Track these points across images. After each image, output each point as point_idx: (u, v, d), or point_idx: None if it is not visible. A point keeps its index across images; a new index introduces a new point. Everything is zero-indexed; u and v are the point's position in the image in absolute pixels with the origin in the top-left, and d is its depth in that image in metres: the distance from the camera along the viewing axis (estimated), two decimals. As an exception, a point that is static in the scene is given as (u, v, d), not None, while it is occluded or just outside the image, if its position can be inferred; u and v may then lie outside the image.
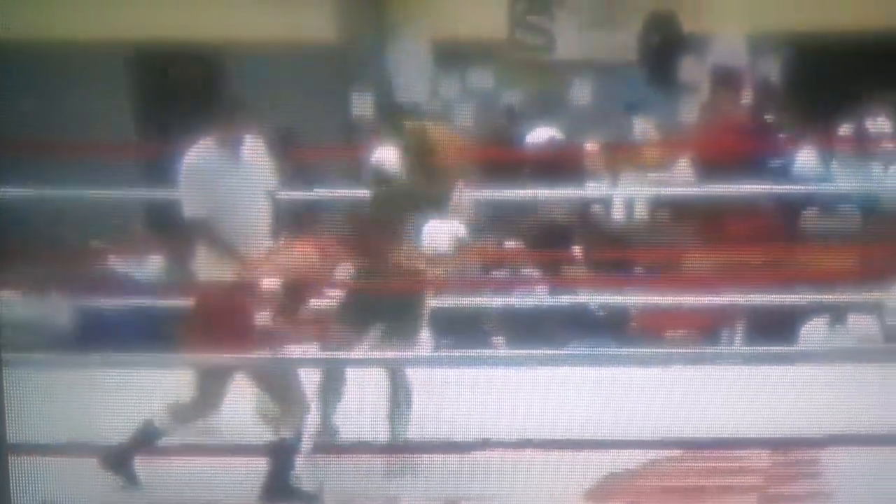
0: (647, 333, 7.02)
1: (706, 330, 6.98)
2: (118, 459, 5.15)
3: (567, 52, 8.81)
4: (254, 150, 5.63)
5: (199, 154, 5.56)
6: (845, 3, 7.94)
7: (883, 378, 5.69)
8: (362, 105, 8.90)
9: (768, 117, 8.10)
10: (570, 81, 8.66)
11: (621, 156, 7.86)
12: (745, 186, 7.23)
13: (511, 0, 9.08)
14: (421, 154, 5.72)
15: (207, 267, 5.44)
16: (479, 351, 6.33)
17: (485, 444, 5.45)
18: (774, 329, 6.86)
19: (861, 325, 6.92)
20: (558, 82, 8.74)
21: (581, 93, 8.66)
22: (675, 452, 5.53)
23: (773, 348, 6.39)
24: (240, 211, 5.37)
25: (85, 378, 5.32)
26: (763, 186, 7.28)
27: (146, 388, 5.34)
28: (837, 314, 6.86)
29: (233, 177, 5.45)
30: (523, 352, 6.17)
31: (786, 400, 5.49)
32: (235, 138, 5.56)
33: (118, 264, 6.86)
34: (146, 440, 5.23)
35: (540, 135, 7.87)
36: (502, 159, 7.86)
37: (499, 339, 6.92)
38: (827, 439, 5.35)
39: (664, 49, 8.54)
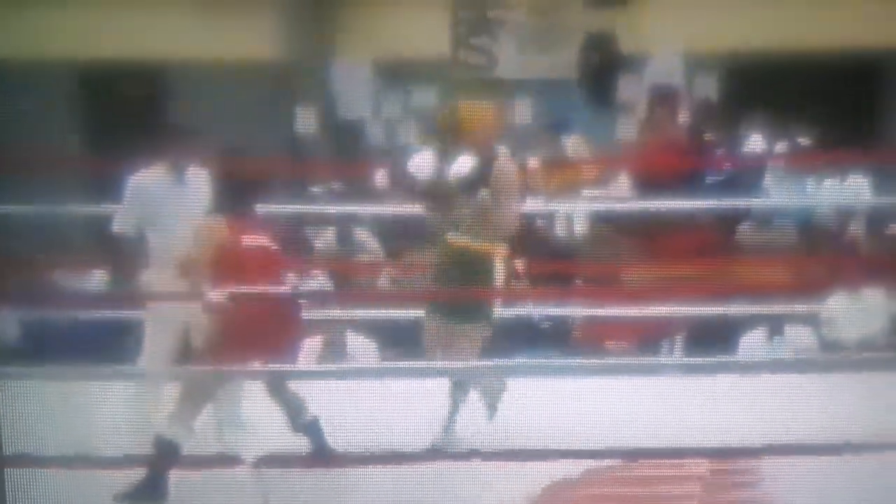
0: (591, 345, 6.99)
1: (648, 341, 6.97)
2: (148, 487, 4.99)
3: (509, 72, 8.81)
4: (198, 178, 5.50)
5: (143, 176, 5.47)
6: (779, 25, 8.00)
7: (824, 387, 5.67)
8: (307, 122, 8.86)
9: (704, 134, 8.13)
10: (512, 100, 8.65)
11: (561, 172, 7.83)
12: (682, 202, 7.22)
13: (454, 21, 9.08)
14: (459, 133, 5.59)
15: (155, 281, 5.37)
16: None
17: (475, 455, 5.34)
18: (714, 340, 6.86)
19: (798, 336, 6.95)
20: (500, 101, 8.72)
21: (522, 111, 8.64)
22: (625, 462, 5.45)
23: (728, 358, 6.39)
24: (178, 234, 5.31)
25: (81, 390, 5.18)
26: (700, 202, 7.28)
27: (142, 400, 5.21)
28: (775, 325, 6.88)
29: (174, 200, 5.38)
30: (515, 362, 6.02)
31: (733, 409, 5.46)
32: (181, 164, 5.46)
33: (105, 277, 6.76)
34: (165, 456, 5.06)
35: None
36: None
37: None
38: (771, 448, 5.31)
39: (602, 69, 8.56)
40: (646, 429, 5.51)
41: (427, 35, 8.99)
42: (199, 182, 5.45)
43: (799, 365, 6.37)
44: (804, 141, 7.83)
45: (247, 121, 8.40)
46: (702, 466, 5.49)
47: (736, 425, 5.45)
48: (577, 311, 7.01)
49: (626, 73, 8.56)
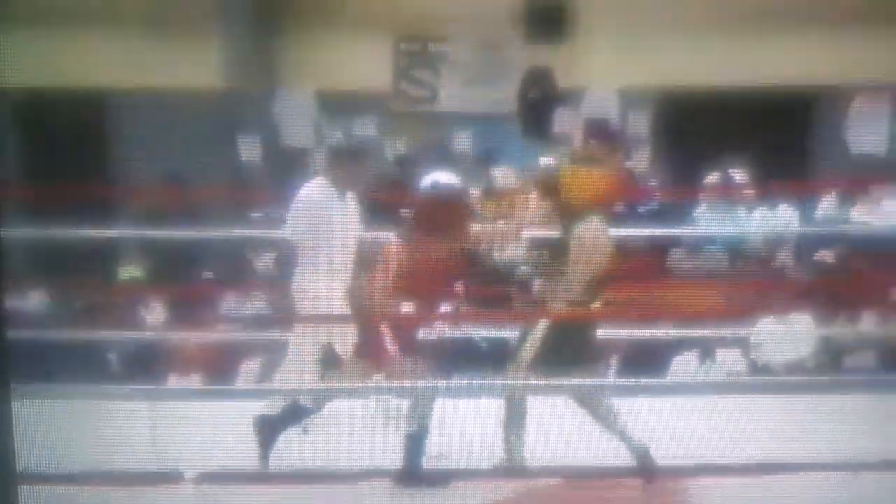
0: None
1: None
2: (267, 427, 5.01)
3: (450, 105, 8.86)
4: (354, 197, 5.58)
5: (312, 188, 5.50)
6: (712, 62, 8.14)
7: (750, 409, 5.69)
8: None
9: (638, 167, 8.22)
10: (453, 132, 8.71)
11: (499, 201, 7.84)
12: (618, 230, 7.24)
13: (396, 55, 9.12)
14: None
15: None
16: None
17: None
18: (646, 363, 6.88)
19: (727, 359, 7.01)
20: (441, 132, 8.77)
21: (463, 142, 8.69)
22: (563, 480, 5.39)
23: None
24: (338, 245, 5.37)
25: (95, 408, 4.98)
26: (635, 230, 7.32)
27: (154, 419, 5.05)
28: (705, 349, 6.93)
29: (339, 214, 5.42)
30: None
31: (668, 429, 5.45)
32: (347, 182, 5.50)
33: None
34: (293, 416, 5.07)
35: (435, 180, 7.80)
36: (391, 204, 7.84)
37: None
38: (698, 469, 5.29)
39: (540, 103, 8.64)
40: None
41: (369, 67, 9.04)
42: (354, 200, 5.53)
43: (733, 386, 6.38)
44: (735, 173, 7.96)
45: (190, 149, 8.38)
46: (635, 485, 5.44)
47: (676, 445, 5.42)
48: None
49: (562, 108, 8.66)
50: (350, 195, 5.53)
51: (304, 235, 5.42)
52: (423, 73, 9.05)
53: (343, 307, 5.26)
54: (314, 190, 5.62)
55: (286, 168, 8.88)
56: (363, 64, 9.05)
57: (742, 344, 7.12)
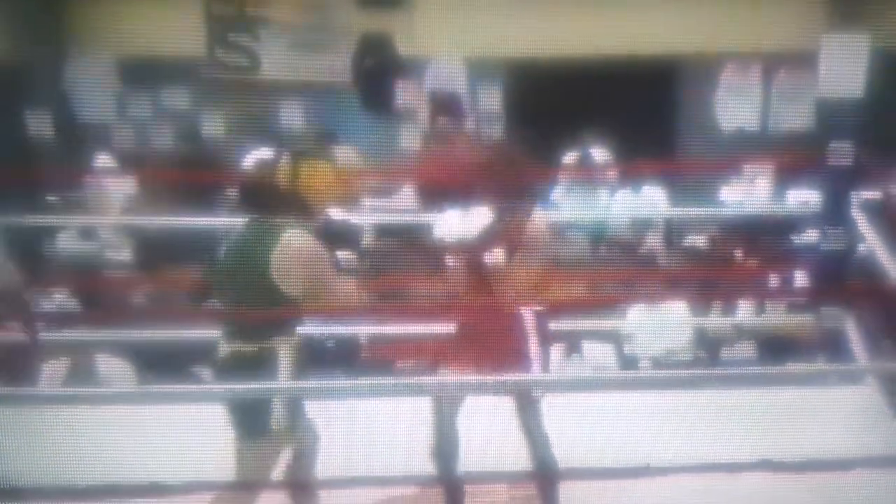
0: (380, 363, 6.64)
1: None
2: None
3: (274, 73, 8.41)
4: None
5: None
6: (565, 31, 7.95)
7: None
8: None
9: (490, 144, 7.94)
10: (278, 102, 8.27)
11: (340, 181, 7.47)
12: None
13: (209, 18, 8.63)
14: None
15: None
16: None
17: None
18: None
19: (596, 353, 6.82)
20: (264, 103, 8.32)
21: (290, 114, 8.27)
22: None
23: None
24: None
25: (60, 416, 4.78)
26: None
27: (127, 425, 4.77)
28: (571, 342, 6.73)
29: None
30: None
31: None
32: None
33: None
34: None
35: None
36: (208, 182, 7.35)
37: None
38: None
39: (377, 73, 8.29)
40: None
41: (178, 32, 8.51)
42: None
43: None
44: (596, 151, 7.79)
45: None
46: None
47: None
48: (364, 329, 6.63)
49: (403, 78, 8.34)
50: None
51: None
52: (242, 39, 8.58)
53: None
54: None
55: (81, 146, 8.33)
56: (170, 29, 8.52)
57: (612, 337, 6.98)
